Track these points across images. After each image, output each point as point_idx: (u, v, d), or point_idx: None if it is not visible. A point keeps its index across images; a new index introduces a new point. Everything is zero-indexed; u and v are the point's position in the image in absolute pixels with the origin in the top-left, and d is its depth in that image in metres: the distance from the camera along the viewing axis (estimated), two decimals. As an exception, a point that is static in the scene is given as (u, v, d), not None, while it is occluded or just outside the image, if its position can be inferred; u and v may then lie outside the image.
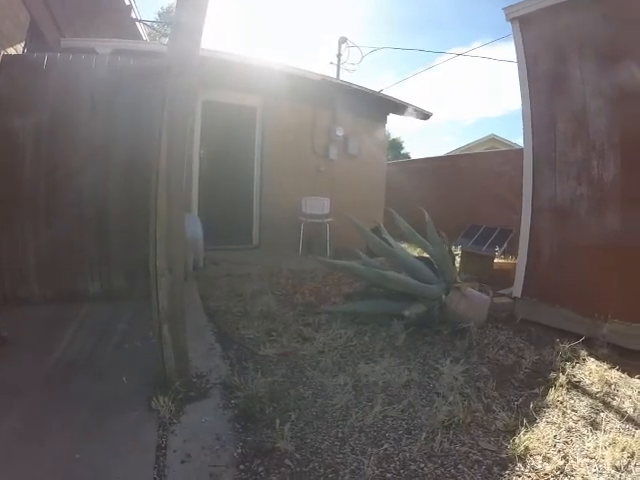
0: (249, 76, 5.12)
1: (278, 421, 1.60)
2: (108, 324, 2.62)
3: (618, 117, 2.91)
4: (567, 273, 3.10)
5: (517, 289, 3.31)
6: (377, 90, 6.25)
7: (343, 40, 11.74)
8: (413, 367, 2.23)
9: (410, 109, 6.69)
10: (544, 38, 3.43)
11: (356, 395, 1.92)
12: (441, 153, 15.77)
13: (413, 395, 1.94)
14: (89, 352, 2.22)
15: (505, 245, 6.98)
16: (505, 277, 4.27)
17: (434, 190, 8.90)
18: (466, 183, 8.33)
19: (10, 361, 2.08)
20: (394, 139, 21.72)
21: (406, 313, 2.55)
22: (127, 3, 5.04)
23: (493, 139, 15.16)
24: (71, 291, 3.09)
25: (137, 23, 5.72)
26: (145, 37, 6.51)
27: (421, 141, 43.64)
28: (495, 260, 6.03)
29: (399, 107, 6.76)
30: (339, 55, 11.75)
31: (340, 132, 6.00)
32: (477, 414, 1.78)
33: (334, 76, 10.99)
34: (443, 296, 2.66)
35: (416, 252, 5.34)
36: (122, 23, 5.47)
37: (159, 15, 17.91)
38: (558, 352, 2.48)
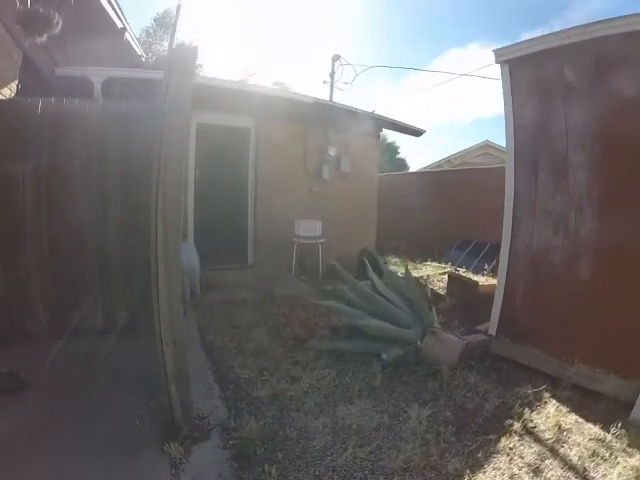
0: (243, 99, 5.57)
1: (267, 465, 2.09)
2: (116, 363, 3.09)
3: (598, 172, 3.18)
4: (539, 316, 3.51)
5: (492, 327, 3.79)
6: (370, 110, 6.68)
7: (336, 58, 12.22)
8: (385, 409, 2.72)
9: (403, 128, 7.12)
10: (531, 84, 3.69)
11: (333, 437, 2.40)
12: (436, 157, 16.27)
13: (381, 438, 2.42)
14: (101, 394, 2.70)
15: (495, 261, 7.50)
16: (489, 301, 4.68)
17: (432, 201, 9.41)
18: (464, 195, 8.83)
19: (27, 404, 2.52)
20: (389, 143, 22.06)
21: (384, 357, 3.05)
22: (120, 26, 5.42)
23: (487, 145, 15.63)
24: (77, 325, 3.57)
25: (131, 40, 6.10)
26: (140, 52, 6.89)
27: (417, 144, 43.98)
28: (483, 279, 6.52)
29: (391, 125, 7.19)
30: (332, 74, 12.26)
31: (333, 152, 6.46)
32: (432, 458, 2.24)
33: (328, 94, 11.61)
34: (419, 341, 3.14)
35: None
36: (116, 41, 5.84)
37: (155, 20, 18.54)
38: (520, 397, 2.89)
